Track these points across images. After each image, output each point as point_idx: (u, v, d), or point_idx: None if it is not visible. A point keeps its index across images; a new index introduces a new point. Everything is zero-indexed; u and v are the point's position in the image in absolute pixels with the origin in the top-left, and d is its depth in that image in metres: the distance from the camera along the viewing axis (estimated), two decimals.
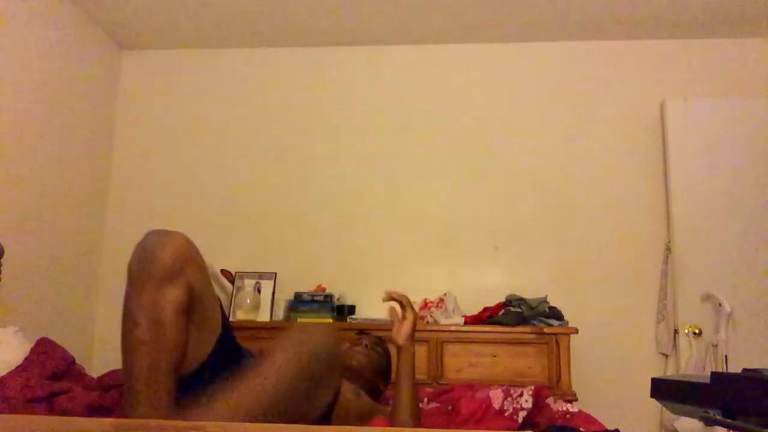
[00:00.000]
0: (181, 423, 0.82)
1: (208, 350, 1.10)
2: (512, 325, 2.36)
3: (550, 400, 1.69)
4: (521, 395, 1.63)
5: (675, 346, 2.57)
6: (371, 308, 2.62)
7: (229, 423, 0.66)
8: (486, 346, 2.36)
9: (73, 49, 2.74)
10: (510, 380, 2.22)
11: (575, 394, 2.24)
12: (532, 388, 1.67)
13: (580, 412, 1.60)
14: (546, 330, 2.35)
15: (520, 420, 1.56)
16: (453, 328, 2.40)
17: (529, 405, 1.59)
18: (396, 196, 2.89)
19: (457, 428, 1.52)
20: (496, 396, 1.64)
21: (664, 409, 1.85)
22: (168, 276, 0.99)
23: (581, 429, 1.47)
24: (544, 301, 2.45)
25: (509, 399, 1.63)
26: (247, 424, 0.69)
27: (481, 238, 2.82)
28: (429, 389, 1.99)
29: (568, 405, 1.64)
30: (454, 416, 1.61)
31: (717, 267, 2.56)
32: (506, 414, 1.58)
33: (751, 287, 2.53)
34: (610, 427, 1.55)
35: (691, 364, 2.49)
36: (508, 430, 1.51)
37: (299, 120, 3.00)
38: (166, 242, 1.01)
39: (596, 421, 1.55)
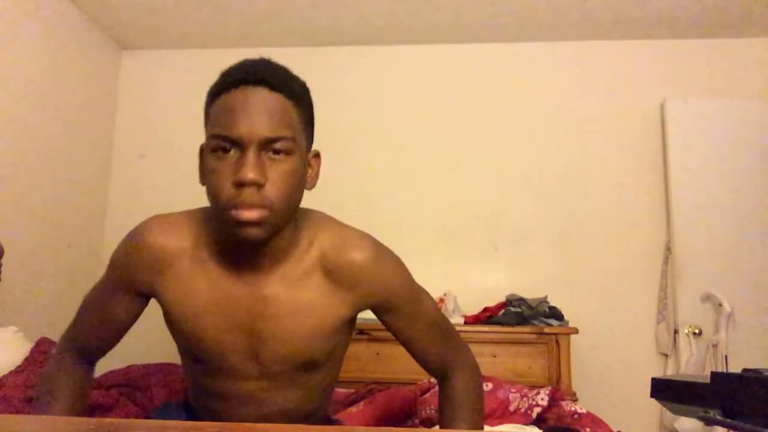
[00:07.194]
0: (180, 423, 0.82)
1: None
2: (512, 325, 2.36)
3: (563, 402, 1.75)
4: (537, 393, 1.72)
5: (675, 346, 2.57)
6: None
7: (230, 423, 0.66)
8: (486, 346, 2.35)
9: (73, 49, 2.74)
10: (510, 380, 2.22)
11: (575, 394, 2.24)
12: (549, 388, 1.76)
13: (588, 413, 1.63)
14: (546, 330, 2.35)
15: (534, 416, 1.64)
16: None
17: (545, 403, 1.66)
18: (396, 196, 2.89)
19: None
20: (514, 399, 1.72)
21: (664, 409, 1.85)
22: None
23: (587, 430, 1.50)
24: (544, 301, 2.45)
25: (525, 398, 1.71)
26: (248, 424, 0.69)
27: (481, 238, 2.81)
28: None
29: (576, 406, 1.68)
30: None
31: (717, 267, 2.56)
32: (521, 411, 1.67)
33: (751, 287, 2.52)
34: (613, 428, 1.56)
35: (691, 364, 2.49)
36: (520, 423, 1.60)
37: None
38: None
39: (603, 423, 1.57)
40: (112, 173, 3.05)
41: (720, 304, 2.42)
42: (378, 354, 2.33)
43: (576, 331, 2.36)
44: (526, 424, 1.60)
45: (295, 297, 0.93)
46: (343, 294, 0.96)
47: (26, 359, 1.76)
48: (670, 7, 2.61)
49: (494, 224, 2.82)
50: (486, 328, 2.40)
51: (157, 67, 3.15)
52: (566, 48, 2.93)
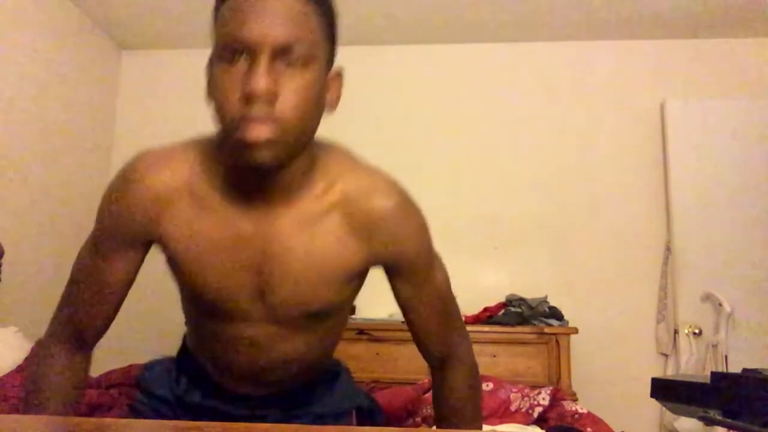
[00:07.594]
0: (180, 423, 0.82)
1: None
2: (512, 325, 2.36)
3: (564, 402, 1.76)
4: (539, 393, 1.73)
5: (675, 346, 2.57)
6: (370, 308, 2.62)
7: (229, 423, 0.66)
8: (486, 346, 2.35)
9: (73, 49, 2.74)
10: (510, 380, 2.22)
11: (575, 394, 2.24)
12: (551, 388, 1.78)
13: (588, 413, 1.63)
14: (546, 330, 2.36)
15: (535, 415, 1.65)
16: None
17: (546, 403, 1.68)
18: None
19: None
20: (515, 398, 1.73)
21: (664, 409, 1.85)
22: None
23: (588, 430, 1.50)
24: (544, 301, 2.45)
25: (526, 398, 1.72)
26: (248, 424, 0.69)
27: (481, 238, 2.81)
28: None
29: (577, 406, 1.69)
30: None
31: (717, 267, 2.56)
32: (522, 410, 1.68)
33: (751, 287, 2.52)
34: (614, 428, 1.56)
35: (691, 364, 2.49)
36: (521, 423, 1.61)
37: None
38: None
39: (604, 423, 1.57)
40: (112, 173, 3.05)
41: (720, 304, 2.42)
42: (378, 354, 2.33)
43: (576, 331, 2.36)
44: (527, 424, 1.61)
45: (308, 239, 0.83)
46: (359, 244, 0.86)
47: (26, 359, 1.76)
48: (670, 7, 2.61)
49: (494, 224, 2.82)
50: (486, 328, 2.40)
51: (157, 67, 3.15)
52: (566, 48, 2.93)
